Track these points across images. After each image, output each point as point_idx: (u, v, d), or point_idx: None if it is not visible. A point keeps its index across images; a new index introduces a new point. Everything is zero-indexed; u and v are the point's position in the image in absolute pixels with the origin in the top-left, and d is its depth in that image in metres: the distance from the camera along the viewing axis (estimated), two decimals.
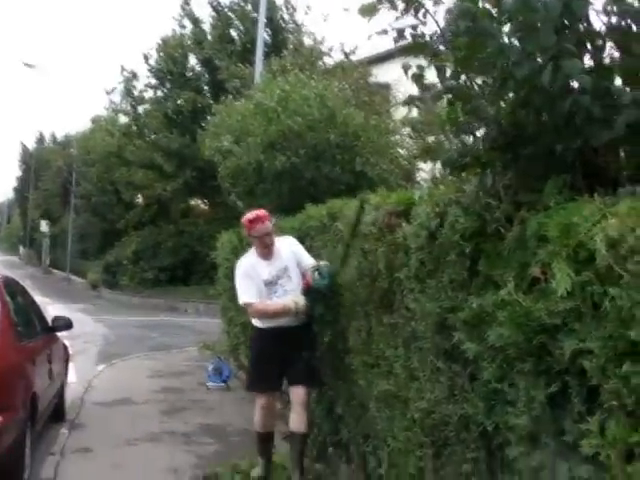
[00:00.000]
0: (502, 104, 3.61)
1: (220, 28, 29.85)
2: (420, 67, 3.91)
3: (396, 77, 18.79)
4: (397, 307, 5.33)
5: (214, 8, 30.03)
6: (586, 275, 2.95)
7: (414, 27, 3.77)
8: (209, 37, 30.26)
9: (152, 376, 13.08)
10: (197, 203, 36.49)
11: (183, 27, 30.78)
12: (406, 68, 3.87)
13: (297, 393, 7.16)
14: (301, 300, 7.09)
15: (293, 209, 9.41)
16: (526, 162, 3.69)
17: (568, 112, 3.35)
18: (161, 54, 30.43)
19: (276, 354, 7.22)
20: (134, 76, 32.07)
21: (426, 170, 16.92)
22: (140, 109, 32.62)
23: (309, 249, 7.68)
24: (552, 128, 3.47)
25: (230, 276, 12.21)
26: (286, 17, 30.19)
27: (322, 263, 7.06)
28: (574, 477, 3.13)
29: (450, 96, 3.82)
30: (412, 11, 3.74)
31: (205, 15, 30.79)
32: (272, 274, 7.23)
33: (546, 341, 3.23)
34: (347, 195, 8.29)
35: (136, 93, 32.33)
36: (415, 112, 18.13)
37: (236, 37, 29.98)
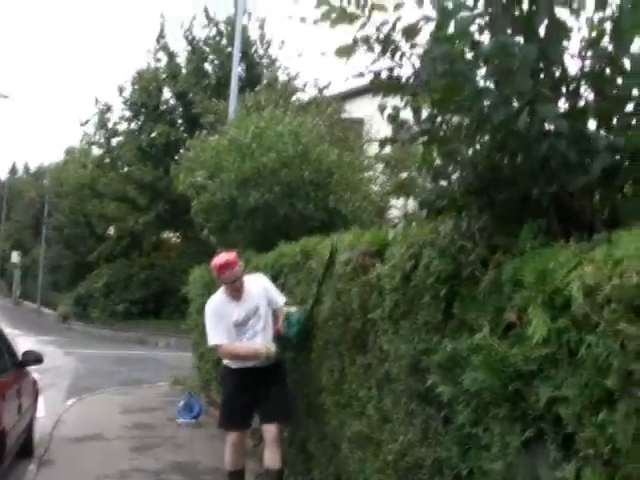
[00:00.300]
0: (478, 147, 3.61)
1: (195, 62, 29.92)
2: (395, 108, 3.90)
3: (369, 112, 18.99)
4: (370, 348, 5.31)
5: (189, 42, 30.10)
6: (562, 322, 2.93)
7: (391, 69, 3.77)
8: (184, 71, 30.32)
9: (123, 411, 12.91)
10: (169, 236, 36.35)
11: (158, 60, 30.84)
12: (382, 108, 3.86)
13: (270, 430, 7.14)
14: (272, 346, 7.10)
15: (266, 245, 9.38)
16: (501, 206, 3.69)
17: (544, 156, 3.36)
18: (136, 87, 30.42)
19: (247, 392, 7.21)
20: (108, 108, 32.03)
21: (398, 207, 17.03)
22: (114, 141, 32.56)
23: (282, 287, 7.66)
24: (528, 172, 3.47)
25: (202, 312, 12.21)
26: (261, 52, 30.31)
27: (292, 309, 7.08)
28: None
29: (426, 138, 3.81)
30: (389, 53, 3.74)
31: (180, 49, 30.77)
32: (242, 315, 7.21)
33: (521, 387, 3.21)
34: (321, 232, 8.26)
35: (110, 125, 32.27)
36: (388, 149, 18.26)
37: (210, 71, 30.05)
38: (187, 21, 30.15)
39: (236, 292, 7.22)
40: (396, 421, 4.75)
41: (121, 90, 30.95)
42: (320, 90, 24.42)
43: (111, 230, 38.21)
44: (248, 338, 7.20)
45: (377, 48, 3.75)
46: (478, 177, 3.67)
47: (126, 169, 30.90)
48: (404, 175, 17.37)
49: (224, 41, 30.27)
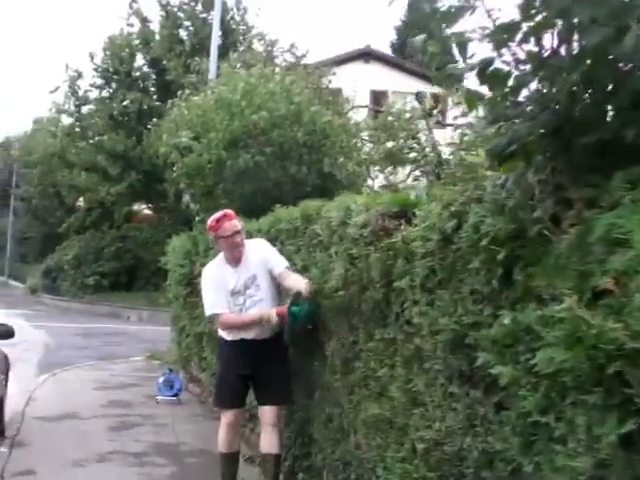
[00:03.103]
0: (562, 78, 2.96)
1: (169, 28, 29.07)
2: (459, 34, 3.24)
3: (349, 82, 18.42)
4: (394, 320, 4.69)
5: (163, 7, 29.21)
6: None
7: None
8: (157, 37, 29.44)
9: (98, 388, 12.26)
10: (141, 208, 35.56)
11: (131, 26, 29.92)
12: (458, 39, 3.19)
13: (267, 413, 6.64)
14: (274, 318, 6.45)
15: (256, 211, 8.75)
16: (580, 151, 3.05)
17: None
18: (107, 53, 29.51)
19: (244, 366, 6.68)
20: (79, 75, 31.07)
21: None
22: (84, 109, 31.67)
23: (281, 254, 7.02)
24: (624, 109, 2.84)
25: (183, 282, 11.58)
26: (237, 18, 29.52)
27: (296, 290, 6.22)
28: None
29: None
30: None
31: (154, 14, 29.81)
32: (240, 282, 6.65)
33: (624, 369, 2.59)
34: (314, 197, 7.70)
35: (80, 93, 31.35)
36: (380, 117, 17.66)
37: (185, 38, 29.20)
38: None
39: (236, 251, 6.65)
40: (430, 405, 4.14)
41: (92, 56, 30.02)
42: (298, 58, 23.78)
43: (81, 201, 37.36)
44: (247, 308, 6.66)
45: None
46: (556, 115, 3.02)
47: (97, 138, 29.98)
48: (390, 144, 16.97)
49: (199, 7, 29.44)
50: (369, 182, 13.41)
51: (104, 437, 8.96)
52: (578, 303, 2.79)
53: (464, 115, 15.15)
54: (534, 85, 3.17)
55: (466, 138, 12.60)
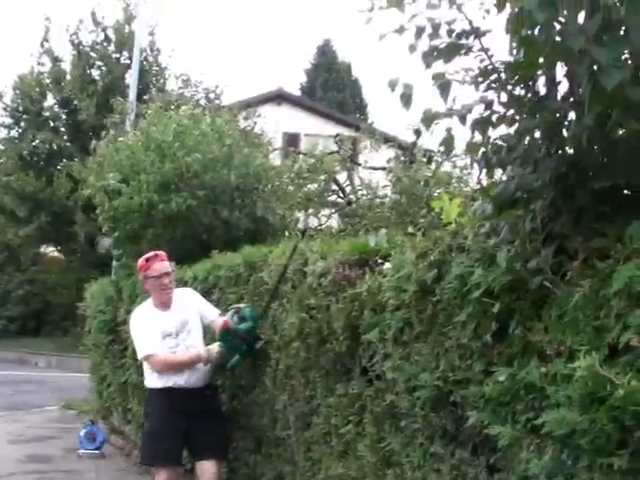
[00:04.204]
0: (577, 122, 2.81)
1: (81, 67, 28.47)
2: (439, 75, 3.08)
3: (268, 122, 18.30)
4: (358, 375, 4.48)
5: (75, 46, 28.63)
6: None
7: (450, 22, 2.96)
8: (69, 76, 28.86)
9: (13, 441, 11.61)
10: (49, 250, 34.66)
11: (42, 65, 29.23)
12: (442, 81, 3.02)
13: (209, 469, 6.21)
14: (214, 347, 6.29)
15: (185, 257, 8.48)
16: (588, 198, 2.89)
17: None
18: (17, 92, 28.77)
19: (179, 418, 6.23)
20: None
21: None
22: None
23: (218, 303, 6.78)
24: (635, 155, 2.70)
25: (104, 330, 11.17)
26: (150, 59, 29.20)
27: (242, 305, 6.17)
28: None
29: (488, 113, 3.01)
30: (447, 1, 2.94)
31: (66, 53, 29.19)
32: (171, 326, 6.35)
33: None
34: (246, 242, 7.52)
35: None
36: (301, 160, 17.58)
37: (97, 78, 28.67)
38: (73, 25, 28.36)
39: (166, 294, 6.40)
40: (407, 465, 3.91)
41: (1, 95, 29.27)
42: (212, 99, 23.65)
43: None
44: (180, 351, 6.34)
45: None
46: (563, 161, 2.87)
47: (5, 179, 29.10)
48: (314, 186, 16.86)
49: (112, 47, 29.01)
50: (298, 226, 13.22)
51: None
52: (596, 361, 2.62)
53: (397, 158, 15.26)
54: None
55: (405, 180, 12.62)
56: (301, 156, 17.97)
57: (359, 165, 18.42)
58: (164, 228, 8.96)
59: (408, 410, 3.88)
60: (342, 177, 17.90)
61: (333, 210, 16.98)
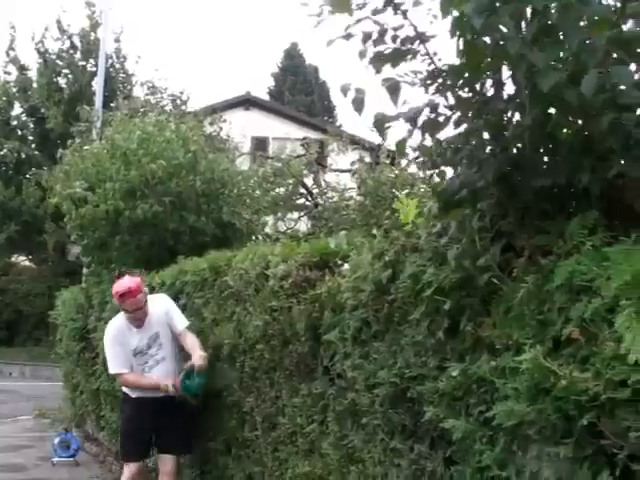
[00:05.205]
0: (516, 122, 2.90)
1: (47, 76, 28.36)
2: (391, 82, 3.16)
3: (234, 127, 18.35)
4: (321, 374, 4.55)
5: (41, 55, 28.51)
6: None
7: (396, 28, 3.05)
8: (35, 85, 28.73)
9: None
10: (19, 259, 34.45)
11: (8, 74, 29.08)
12: (391, 85, 3.10)
13: (167, 462, 6.65)
14: (170, 388, 6.45)
15: (152, 263, 8.54)
16: (530, 197, 2.99)
17: (601, 133, 2.69)
18: None
19: (147, 419, 6.67)
20: None
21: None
22: None
23: (184, 307, 6.84)
24: (577, 153, 2.79)
25: (76, 337, 11.18)
26: (117, 66, 29.13)
27: (190, 363, 6.34)
28: None
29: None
30: (390, 8, 3.02)
31: (32, 62, 29.03)
32: (142, 342, 6.64)
33: (599, 420, 2.51)
34: (213, 247, 7.59)
35: None
36: (268, 164, 17.65)
37: (64, 86, 28.56)
38: (39, 33, 28.23)
39: (137, 322, 6.57)
40: (369, 461, 3.99)
41: None
42: (178, 105, 23.63)
43: None
44: (150, 367, 6.65)
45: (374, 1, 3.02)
46: (506, 160, 2.96)
47: None
48: (281, 190, 16.94)
49: (78, 55, 28.91)
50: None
51: None
52: (540, 353, 2.71)
53: (361, 161, 15.34)
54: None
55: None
56: (269, 160, 18.02)
57: (325, 168, 18.50)
58: (131, 235, 9.01)
59: (368, 407, 3.96)
60: (310, 180, 17.99)
61: (301, 213, 17.07)
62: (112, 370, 6.77)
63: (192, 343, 6.43)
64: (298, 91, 48.59)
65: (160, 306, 6.70)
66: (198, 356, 6.25)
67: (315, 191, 17.55)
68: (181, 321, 6.62)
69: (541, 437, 2.73)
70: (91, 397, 10.59)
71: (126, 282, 6.51)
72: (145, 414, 6.67)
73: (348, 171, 16.23)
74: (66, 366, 12.50)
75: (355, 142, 18.29)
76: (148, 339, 6.61)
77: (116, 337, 6.66)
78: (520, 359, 2.75)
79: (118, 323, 6.73)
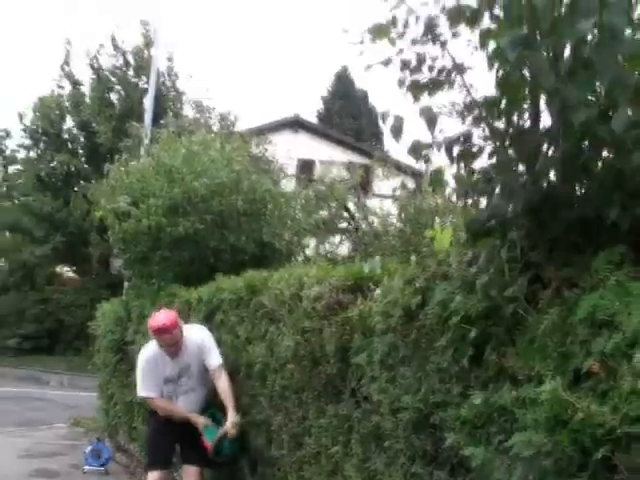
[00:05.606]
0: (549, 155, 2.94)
1: (100, 91, 28.77)
2: (428, 111, 3.21)
3: (280, 149, 18.48)
4: (348, 397, 4.59)
5: (95, 70, 28.94)
6: None
7: (434, 59, 3.10)
8: (88, 100, 29.15)
9: (22, 456, 11.69)
10: (64, 270, 34.86)
11: (62, 88, 29.55)
12: (428, 113, 3.15)
13: (189, 473, 6.78)
14: (201, 426, 6.67)
15: (192, 279, 8.62)
16: (561, 229, 3.01)
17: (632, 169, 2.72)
18: (37, 113, 29.05)
19: (172, 431, 6.81)
20: (7, 135, 30.59)
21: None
22: (11, 169, 31.10)
23: (221, 325, 6.92)
24: (608, 188, 2.81)
25: (113, 349, 11.30)
26: (168, 84, 29.46)
27: (223, 430, 6.46)
28: None
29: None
30: (429, 37, 3.08)
31: (85, 77, 29.46)
32: (175, 371, 6.75)
33: (613, 454, 2.52)
34: (252, 266, 7.63)
35: (8, 152, 30.82)
36: (312, 186, 17.75)
37: (116, 102, 28.97)
38: (93, 49, 28.66)
39: (172, 352, 6.67)
40: None
41: (21, 117, 29.53)
42: (227, 125, 23.83)
43: (3, 262, 36.45)
44: (178, 395, 6.82)
45: (415, 31, 3.08)
46: (536, 192, 2.99)
47: (22, 199, 29.38)
48: (324, 214, 17.00)
49: (131, 72, 29.32)
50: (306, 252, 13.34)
51: None
52: (560, 385, 2.73)
53: (403, 187, 15.38)
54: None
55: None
56: (313, 182, 18.12)
57: (368, 193, 18.55)
58: (172, 251, 9.10)
59: (392, 431, 4.00)
60: (353, 205, 18.04)
61: (343, 237, 17.12)
62: (141, 393, 6.90)
63: (224, 389, 6.52)
64: (347, 115, 48.71)
65: (196, 338, 6.76)
66: (231, 423, 6.38)
67: (357, 216, 17.57)
68: (215, 358, 6.66)
69: (557, 469, 2.75)
70: (124, 408, 10.68)
71: (162, 318, 6.56)
72: (170, 426, 6.78)
73: (390, 197, 16.28)
74: (102, 377, 12.61)
75: (399, 168, 18.32)
76: (180, 369, 6.73)
77: (149, 363, 6.75)
78: (540, 390, 2.77)
79: (153, 350, 6.77)
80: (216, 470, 6.89)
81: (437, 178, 3.49)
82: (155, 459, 6.92)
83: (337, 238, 17.43)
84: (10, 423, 15.25)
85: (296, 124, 33.97)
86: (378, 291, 4.37)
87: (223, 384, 6.52)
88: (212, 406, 6.76)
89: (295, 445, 5.32)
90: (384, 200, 17.47)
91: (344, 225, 17.91)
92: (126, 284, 12.76)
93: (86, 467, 10.66)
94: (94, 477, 10.43)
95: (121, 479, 10.31)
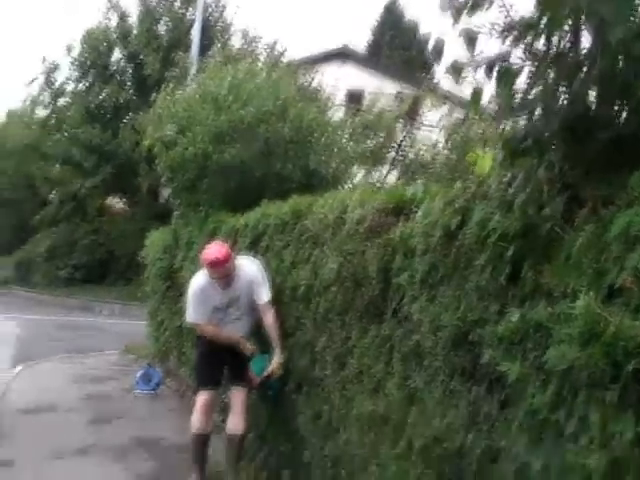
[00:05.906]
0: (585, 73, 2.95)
1: (147, 23, 28.76)
2: (468, 31, 3.22)
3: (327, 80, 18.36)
4: (390, 317, 4.67)
5: (142, 2, 28.94)
6: None
7: None
8: (135, 31, 29.15)
9: (74, 381, 12.08)
10: (113, 201, 35.19)
11: (109, 20, 29.56)
12: (467, 34, 3.16)
13: (237, 394, 7.02)
14: (248, 351, 6.97)
15: (239, 206, 8.70)
16: (598, 148, 3.03)
17: None
18: (85, 46, 29.12)
19: (219, 354, 7.02)
20: (55, 67, 30.70)
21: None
22: (60, 102, 31.28)
23: (267, 249, 7.02)
24: None
25: (162, 276, 11.50)
26: (216, 15, 29.35)
27: (269, 369, 6.70)
28: None
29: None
30: None
31: (132, 9, 29.46)
32: (224, 301, 6.92)
33: None
34: (298, 194, 7.67)
35: (57, 85, 30.99)
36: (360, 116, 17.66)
37: (163, 33, 28.95)
38: None
39: (224, 283, 6.82)
40: (430, 401, 4.12)
41: (69, 49, 29.60)
42: (277, 55, 23.76)
43: (54, 194, 36.90)
44: (225, 324, 6.99)
45: None
46: (573, 111, 3.01)
47: (72, 131, 29.58)
48: (373, 142, 16.95)
49: (177, 3, 29.25)
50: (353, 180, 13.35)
51: (84, 430, 8.86)
52: (594, 300, 2.78)
53: (449, 115, 15.26)
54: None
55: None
56: (361, 112, 18.03)
57: (416, 122, 18.41)
58: (218, 178, 9.19)
59: (431, 349, 4.08)
60: (401, 134, 17.94)
61: (390, 167, 17.08)
62: (189, 319, 7.13)
63: (270, 326, 6.68)
64: (397, 47, 48.09)
65: (248, 272, 6.87)
66: (276, 364, 6.59)
67: (405, 145, 17.48)
68: (265, 294, 6.77)
69: (590, 382, 2.81)
70: (174, 334, 10.90)
71: (214, 251, 6.69)
72: (218, 350, 6.98)
73: (436, 127, 16.16)
74: (152, 304, 12.85)
75: (448, 98, 18.17)
76: (229, 299, 6.89)
77: (200, 292, 6.90)
78: (574, 305, 2.83)
79: (204, 279, 6.89)
80: (262, 392, 7.03)
81: (476, 99, 3.50)
82: (203, 381, 7.12)
83: (385, 168, 17.39)
84: (63, 350, 15.68)
85: (344, 55, 33.65)
86: (420, 213, 4.41)
87: (270, 321, 6.68)
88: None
89: (338, 365, 5.43)
90: (433, 130, 17.35)
91: (392, 155, 17.84)
92: (175, 213, 12.90)
93: (137, 391, 10.97)
94: (145, 400, 10.75)
95: (170, 402, 10.60)
